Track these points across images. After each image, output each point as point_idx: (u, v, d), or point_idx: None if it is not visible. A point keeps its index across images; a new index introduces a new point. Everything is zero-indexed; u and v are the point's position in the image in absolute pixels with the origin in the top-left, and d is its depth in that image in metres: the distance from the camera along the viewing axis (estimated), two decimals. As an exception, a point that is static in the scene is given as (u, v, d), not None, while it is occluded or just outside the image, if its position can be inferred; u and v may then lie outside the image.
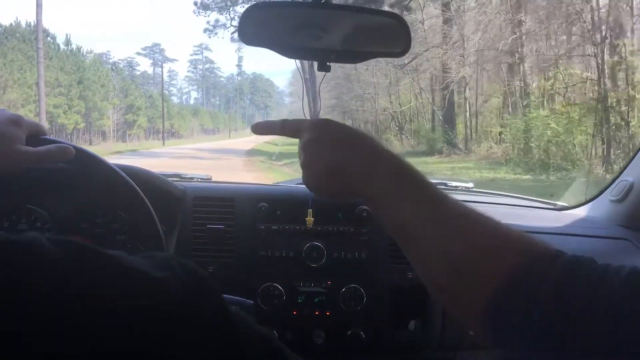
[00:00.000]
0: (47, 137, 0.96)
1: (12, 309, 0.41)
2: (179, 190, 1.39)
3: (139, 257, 0.50)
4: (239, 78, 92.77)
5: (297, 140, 0.79)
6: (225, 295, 0.96)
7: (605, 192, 1.86)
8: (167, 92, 70.44)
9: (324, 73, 1.11)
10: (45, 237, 0.46)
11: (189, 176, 1.75)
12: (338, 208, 1.40)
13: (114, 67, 50.21)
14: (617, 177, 1.83)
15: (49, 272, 0.43)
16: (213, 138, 54.83)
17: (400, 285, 1.38)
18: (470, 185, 2.00)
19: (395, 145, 23.69)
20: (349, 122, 30.12)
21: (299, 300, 1.35)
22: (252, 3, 1.03)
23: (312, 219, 1.32)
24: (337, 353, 1.38)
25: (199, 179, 1.76)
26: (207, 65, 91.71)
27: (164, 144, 38.43)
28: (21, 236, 0.45)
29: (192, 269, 0.50)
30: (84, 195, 1.20)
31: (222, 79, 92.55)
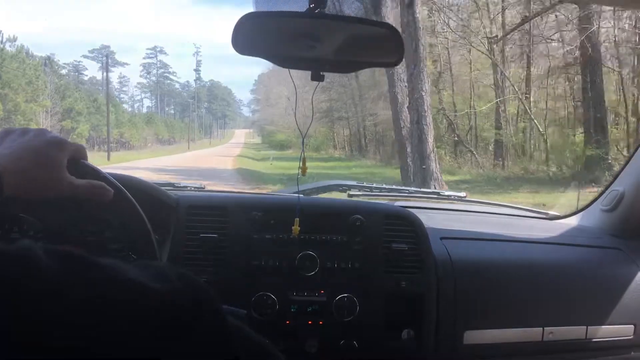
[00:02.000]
0: (87, 162, 0.95)
1: (6, 321, 0.40)
2: (173, 199, 1.39)
3: (135, 267, 0.50)
4: (197, 83, 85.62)
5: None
6: None
7: (597, 201, 1.88)
8: (117, 99, 63.14)
9: (317, 82, 1.11)
10: (40, 246, 0.45)
11: (182, 185, 1.75)
12: (330, 217, 1.41)
13: (47, 61, 38.42)
14: (608, 186, 1.85)
15: (44, 284, 0.43)
16: (170, 149, 46.63)
17: (393, 295, 1.38)
18: (463, 194, 2.01)
19: (448, 165, 15.84)
20: (342, 132, 30.33)
21: (292, 310, 1.34)
22: (246, 12, 1.04)
23: (299, 227, 1.32)
24: None
25: (193, 188, 1.76)
26: (161, 70, 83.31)
27: (109, 158, 27.53)
28: (14, 246, 0.45)
29: (190, 279, 0.50)
30: (76, 204, 1.20)
31: (177, 86, 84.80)
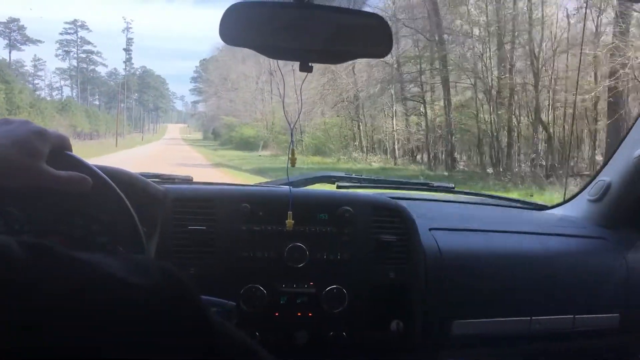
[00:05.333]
0: (71, 153, 0.95)
1: None
2: (160, 191, 1.38)
3: (116, 260, 0.49)
4: (127, 69, 69.17)
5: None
6: (207, 297, 0.95)
7: (584, 191, 1.90)
8: (31, 85, 50.70)
9: (305, 73, 1.11)
10: (17, 240, 0.44)
11: (169, 177, 1.74)
12: (319, 209, 1.40)
13: None
14: (595, 176, 1.86)
15: (17, 278, 0.42)
16: (91, 147, 31.79)
17: (382, 286, 1.38)
18: (452, 185, 2.02)
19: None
20: (392, 123, 17.15)
21: (281, 302, 1.34)
22: (233, 3, 1.03)
23: (292, 221, 1.32)
24: (319, 354, 1.37)
25: (180, 180, 1.75)
26: (82, 50, 63.93)
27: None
28: None
29: (172, 274, 0.49)
30: (62, 197, 1.18)
31: (103, 73, 67.32)
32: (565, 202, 1.99)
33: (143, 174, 1.44)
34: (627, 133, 1.78)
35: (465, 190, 2.14)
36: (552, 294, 1.54)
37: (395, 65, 17.70)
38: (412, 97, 18.15)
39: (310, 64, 1.09)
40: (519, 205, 2.09)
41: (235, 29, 1.05)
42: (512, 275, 1.52)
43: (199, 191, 1.47)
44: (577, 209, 1.89)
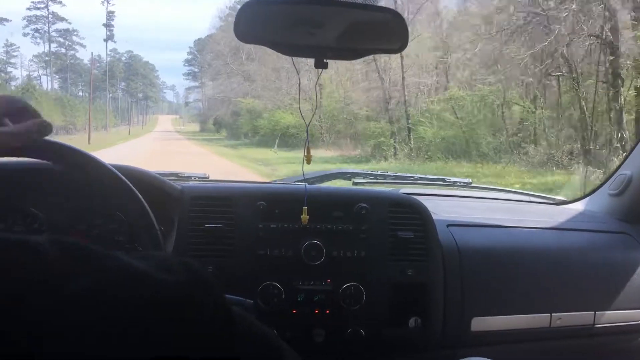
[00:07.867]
0: (26, 106, 0.85)
1: (12, 311, 0.40)
2: (177, 190, 1.38)
3: (139, 257, 0.50)
4: (107, 47, 56.79)
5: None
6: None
7: (604, 185, 1.87)
8: (3, 74, 43.81)
9: (320, 70, 1.10)
10: (48, 238, 0.45)
11: (186, 175, 1.74)
12: (336, 206, 1.40)
13: None
14: (616, 170, 1.83)
15: (49, 273, 0.43)
16: None
17: (399, 283, 1.37)
18: (469, 180, 2.00)
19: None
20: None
21: (299, 299, 1.34)
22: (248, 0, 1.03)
23: (307, 216, 1.32)
24: (337, 352, 1.37)
25: (197, 178, 1.76)
26: (56, 29, 51.96)
27: None
28: (20, 237, 0.45)
29: (194, 269, 0.50)
30: (80, 197, 1.19)
31: (86, 61, 54.76)
32: (585, 196, 1.96)
33: (160, 173, 1.45)
34: (649, 126, 1.75)
35: (483, 186, 2.12)
36: (572, 290, 1.52)
37: None
38: None
39: (325, 61, 1.08)
40: (537, 199, 2.06)
41: (250, 27, 1.05)
42: (531, 271, 1.51)
43: (216, 189, 1.47)
44: (598, 204, 1.86)
